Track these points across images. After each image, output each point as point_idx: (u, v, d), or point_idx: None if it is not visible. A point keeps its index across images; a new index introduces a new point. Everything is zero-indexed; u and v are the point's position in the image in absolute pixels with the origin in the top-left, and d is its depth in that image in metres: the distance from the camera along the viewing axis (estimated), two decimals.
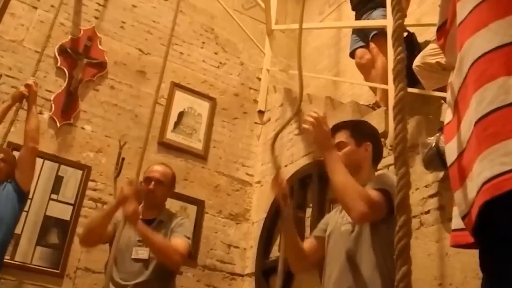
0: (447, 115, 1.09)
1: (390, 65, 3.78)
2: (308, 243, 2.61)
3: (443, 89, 3.37)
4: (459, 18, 1.02)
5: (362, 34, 4.68)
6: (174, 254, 3.04)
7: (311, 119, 2.36)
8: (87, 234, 3.17)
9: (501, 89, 0.86)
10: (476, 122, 0.89)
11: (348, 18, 5.20)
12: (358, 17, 4.83)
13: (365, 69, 4.62)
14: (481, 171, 0.86)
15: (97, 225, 3.13)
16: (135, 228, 3.01)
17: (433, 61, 3.42)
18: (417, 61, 3.59)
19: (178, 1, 3.83)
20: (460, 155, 0.97)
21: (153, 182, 3.24)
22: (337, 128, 2.57)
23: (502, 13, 0.91)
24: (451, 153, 1.02)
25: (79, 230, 4.43)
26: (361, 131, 2.55)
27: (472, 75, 0.93)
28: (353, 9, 5.02)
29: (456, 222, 1.03)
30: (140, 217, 3.20)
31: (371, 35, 4.56)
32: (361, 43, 4.67)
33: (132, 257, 3.11)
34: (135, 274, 3.07)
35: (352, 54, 4.81)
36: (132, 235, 3.14)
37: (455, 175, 0.99)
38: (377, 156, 2.56)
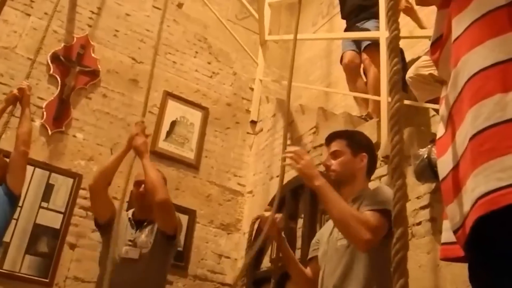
0: (439, 130, 1.10)
1: (383, 76, 3.81)
2: (310, 268, 2.61)
3: (435, 100, 3.38)
4: (454, 34, 1.03)
5: (355, 43, 4.72)
6: (164, 191, 3.07)
7: (291, 155, 2.35)
8: (98, 176, 3.21)
9: (497, 105, 0.87)
10: (472, 137, 0.89)
11: (341, 30, 5.22)
12: (349, 26, 4.86)
13: (351, 73, 4.65)
14: (475, 186, 0.86)
15: (108, 168, 3.21)
16: (141, 160, 3.11)
17: (426, 73, 3.44)
18: (410, 73, 3.61)
19: (165, 8, 3.82)
20: (454, 169, 0.97)
21: (143, 185, 3.23)
22: (333, 137, 2.57)
23: (497, 31, 0.92)
24: (443, 167, 1.02)
25: (69, 238, 4.42)
26: (357, 141, 2.55)
27: (468, 90, 0.94)
28: (344, 17, 5.06)
29: (446, 235, 1.03)
30: (131, 217, 3.25)
31: (363, 46, 4.60)
32: (353, 48, 4.71)
33: (122, 256, 3.09)
34: (125, 274, 3.06)
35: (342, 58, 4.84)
36: (123, 235, 3.14)
37: (448, 189, 0.99)
38: (371, 167, 2.57)
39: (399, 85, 0.90)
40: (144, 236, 3.15)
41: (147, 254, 3.09)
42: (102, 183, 3.20)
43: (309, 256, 2.64)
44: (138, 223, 3.21)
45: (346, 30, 4.97)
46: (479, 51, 0.94)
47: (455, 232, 0.95)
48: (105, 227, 3.20)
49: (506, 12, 0.93)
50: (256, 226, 2.92)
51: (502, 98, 0.87)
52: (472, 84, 0.93)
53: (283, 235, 2.59)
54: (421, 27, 4.23)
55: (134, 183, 3.30)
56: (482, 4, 0.98)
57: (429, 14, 4.11)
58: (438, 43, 1.13)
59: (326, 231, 2.52)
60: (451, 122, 1.01)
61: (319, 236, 2.62)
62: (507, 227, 0.82)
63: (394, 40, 0.90)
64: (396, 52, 0.94)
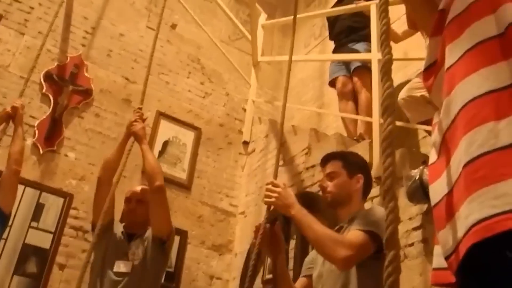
0: (431, 155, 1.11)
1: (375, 98, 3.83)
2: (301, 283, 2.58)
3: (427, 122, 3.40)
4: (447, 62, 1.05)
5: (344, 64, 4.76)
6: (161, 178, 3.16)
7: (268, 193, 2.38)
8: (104, 167, 3.34)
9: (491, 133, 0.88)
10: (465, 164, 0.90)
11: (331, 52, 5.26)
12: (338, 46, 4.90)
13: (345, 97, 4.68)
14: (469, 213, 0.87)
15: (113, 157, 3.33)
16: (140, 144, 3.29)
17: (418, 95, 3.47)
18: (402, 94, 3.64)
19: (158, 28, 3.86)
20: (447, 195, 0.98)
21: (133, 201, 3.25)
22: (328, 158, 2.57)
23: (490, 60, 0.94)
24: (436, 193, 1.03)
25: (59, 259, 4.37)
26: (353, 162, 2.55)
27: (462, 118, 0.95)
28: (332, 38, 5.10)
29: (438, 261, 1.03)
30: (123, 230, 3.25)
31: (353, 68, 4.63)
32: (344, 72, 4.74)
33: (114, 270, 3.07)
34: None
35: (333, 82, 4.87)
36: (114, 249, 3.12)
37: (440, 215, 0.99)
38: (367, 188, 2.56)
39: (392, 108, 0.91)
40: (135, 248, 3.15)
41: (138, 266, 3.08)
42: (109, 172, 3.30)
43: (303, 274, 2.62)
44: (129, 236, 3.22)
45: (334, 50, 5.01)
46: (473, 79, 0.95)
47: (447, 258, 0.95)
48: (101, 233, 3.19)
49: (498, 42, 0.95)
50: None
51: (495, 125, 0.88)
52: (466, 112, 0.94)
53: (284, 243, 2.54)
54: (397, 40, 4.28)
55: (125, 200, 3.31)
56: (474, 34, 1.00)
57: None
58: (432, 69, 1.15)
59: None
60: (445, 148, 1.02)
61: (314, 255, 2.60)
62: (500, 254, 0.82)
63: (386, 64, 0.91)
64: (388, 75, 0.95)
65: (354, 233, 2.19)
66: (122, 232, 3.26)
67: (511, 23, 0.96)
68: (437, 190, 1.02)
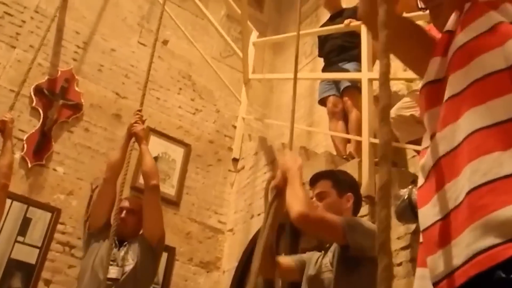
0: (419, 179, 1.11)
1: (365, 117, 3.84)
2: (286, 260, 2.55)
3: (416, 141, 3.42)
4: (451, 91, 1.06)
5: (334, 83, 4.79)
6: (158, 178, 3.32)
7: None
8: (108, 168, 3.43)
9: (495, 162, 0.90)
10: (469, 192, 0.92)
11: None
12: (328, 65, 4.93)
13: (336, 117, 4.70)
14: (472, 241, 0.88)
15: (116, 159, 3.42)
16: (140, 145, 3.47)
17: (408, 114, 3.49)
18: (391, 113, 3.66)
19: (154, 45, 3.88)
20: (442, 220, 0.98)
21: (124, 211, 3.28)
22: (318, 177, 2.56)
23: (499, 92, 0.96)
24: (426, 218, 1.03)
25: (45, 274, 4.32)
26: (343, 181, 2.54)
27: (466, 146, 0.96)
28: (322, 56, 5.13)
29: (421, 284, 1.03)
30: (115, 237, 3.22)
31: (343, 87, 4.66)
32: (334, 92, 4.76)
33: (105, 276, 3.06)
34: None
35: (323, 101, 4.89)
36: (104, 255, 3.10)
37: (431, 240, 0.99)
38: (357, 207, 2.56)
39: (388, 122, 0.91)
40: (125, 254, 3.15)
41: (130, 272, 3.09)
42: (114, 172, 3.38)
43: (292, 258, 2.59)
44: (119, 242, 3.23)
45: (324, 68, 5.04)
46: (480, 110, 0.97)
47: (436, 283, 0.95)
48: (95, 234, 3.24)
49: (508, 75, 0.97)
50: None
51: (500, 155, 0.90)
52: (472, 141, 0.96)
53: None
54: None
55: (116, 211, 3.28)
56: (482, 66, 1.01)
57: None
58: (436, 86, 1.14)
59: (314, 258, 2.49)
60: (437, 173, 1.02)
61: (310, 255, 2.56)
62: (494, 275, 0.83)
63: (384, 75, 0.91)
64: (387, 85, 0.94)
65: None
66: (114, 238, 3.26)
67: None
68: (427, 215, 1.02)
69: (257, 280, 1.93)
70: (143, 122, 3.60)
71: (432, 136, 1.09)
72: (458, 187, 0.95)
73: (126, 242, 3.24)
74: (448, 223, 0.95)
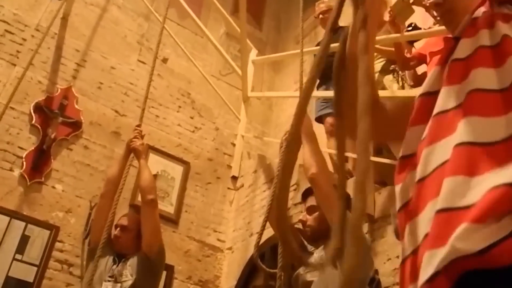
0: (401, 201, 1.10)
1: None
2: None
3: None
4: (443, 105, 1.04)
5: (330, 102, 4.79)
6: (155, 192, 3.32)
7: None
8: (106, 184, 3.43)
9: (459, 188, 0.88)
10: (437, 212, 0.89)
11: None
12: (323, 83, 4.93)
13: (333, 135, 4.71)
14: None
15: (115, 174, 3.40)
16: (139, 160, 3.45)
17: None
18: None
19: (154, 62, 3.89)
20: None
21: (118, 229, 3.25)
22: (308, 192, 2.59)
23: (484, 111, 0.94)
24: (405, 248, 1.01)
25: None
26: None
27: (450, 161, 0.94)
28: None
29: None
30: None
31: None
32: (330, 109, 4.77)
33: None
34: None
35: (319, 118, 4.89)
36: (103, 271, 3.09)
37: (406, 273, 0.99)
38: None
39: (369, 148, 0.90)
40: (123, 269, 3.12)
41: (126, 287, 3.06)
42: (112, 188, 3.35)
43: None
44: (119, 257, 3.20)
45: (319, 86, 5.04)
46: (471, 121, 0.95)
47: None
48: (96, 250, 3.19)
49: (500, 97, 0.96)
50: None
51: (467, 181, 0.88)
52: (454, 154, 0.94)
53: None
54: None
55: (114, 225, 3.27)
56: (476, 82, 0.99)
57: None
58: (428, 100, 1.12)
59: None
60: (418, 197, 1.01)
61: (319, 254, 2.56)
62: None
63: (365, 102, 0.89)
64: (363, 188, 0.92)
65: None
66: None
67: None
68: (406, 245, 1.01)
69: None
70: (142, 137, 3.58)
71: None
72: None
73: (125, 258, 3.21)
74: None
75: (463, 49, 1.08)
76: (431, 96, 1.10)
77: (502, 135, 0.91)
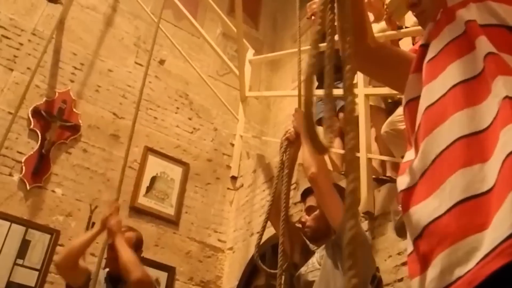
0: (402, 184, 1.11)
1: (362, 134, 3.85)
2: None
3: None
4: (426, 101, 1.06)
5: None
6: (139, 269, 2.99)
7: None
8: (66, 256, 3.10)
9: (477, 176, 0.89)
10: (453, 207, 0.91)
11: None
12: (323, 85, 4.93)
13: (333, 134, 4.71)
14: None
15: (78, 248, 3.11)
16: (114, 240, 3.08)
17: (402, 127, 3.46)
18: (385, 127, 3.64)
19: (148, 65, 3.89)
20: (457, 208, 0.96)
21: (115, 249, 3.10)
22: (307, 192, 2.58)
23: (476, 99, 0.96)
24: (424, 214, 1.01)
25: None
26: None
27: (448, 156, 0.96)
28: (316, 76, 5.13)
29: None
30: (107, 276, 3.16)
31: (339, 106, 4.67)
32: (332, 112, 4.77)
33: None
34: None
35: (319, 121, 4.89)
36: None
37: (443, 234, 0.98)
38: None
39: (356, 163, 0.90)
40: None
41: None
42: (71, 262, 3.08)
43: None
44: (114, 282, 3.12)
45: (318, 87, 5.04)
46: (457, 118, 0.97)
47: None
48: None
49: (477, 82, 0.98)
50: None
51: (479, 168, 0.90)
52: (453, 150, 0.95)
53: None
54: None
55: (108, 246, 3.18)
56: (457, 73, 1.02)
57: None
58: (414, 105, 1.15)
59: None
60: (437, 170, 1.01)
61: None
62: None
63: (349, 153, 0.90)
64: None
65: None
66: (105, 278, 3.16)
67: (487, 55, 0.98)
68: (425, 211, 1.01)
69: None
70: (118, 211, 3.26)
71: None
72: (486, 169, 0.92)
73: (121, 281, 3.10)
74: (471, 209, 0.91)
75: (434, 50, 1.11)
76: (415, 100, 1.13)
77: (489, 119, 0.93)
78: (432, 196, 0.96)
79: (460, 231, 0.88)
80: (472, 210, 0.88)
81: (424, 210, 0.98)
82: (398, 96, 3.89)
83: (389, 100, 4.19)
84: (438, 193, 0.95)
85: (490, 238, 0.83)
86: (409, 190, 1.05)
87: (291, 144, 2.66)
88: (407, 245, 1.03)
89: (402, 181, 1.08)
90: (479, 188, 0.89)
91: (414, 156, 1.08)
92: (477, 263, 0.83)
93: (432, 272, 0.92)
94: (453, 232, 0.89)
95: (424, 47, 1.17)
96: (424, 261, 0.96)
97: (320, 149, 0.91)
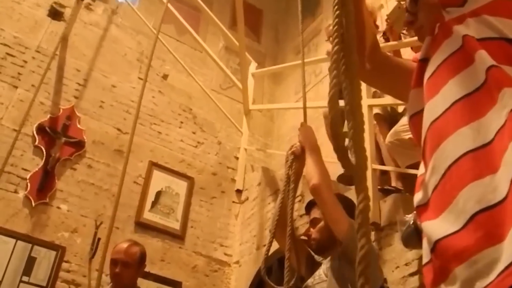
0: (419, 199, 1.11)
1: (368, 146, 3.84)
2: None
3: (416, 165, 3.41)
4: (430, 115, 1.06)
5: None
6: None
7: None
8: None
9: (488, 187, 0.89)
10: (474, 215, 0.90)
11: (323, 98, 5.31)
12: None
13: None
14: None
15: None
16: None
17: (406, 137, 3.45)
18: (389, 137, 3.64)
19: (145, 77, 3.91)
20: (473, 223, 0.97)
21: (119, 265, 3.05)
22: (312, 204, 2.58)
23: (479, 113, 0.96)
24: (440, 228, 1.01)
25: None
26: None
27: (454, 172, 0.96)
28: None
29: None
30: None
31: None
32: None
33: None
34: None
35: None
36: None
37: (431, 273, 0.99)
38: None
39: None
40: None
41: None
42: None
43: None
44: None
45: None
46: (463, 132, 0.97)
47: None
48: None
49: (481, 94, 0.98)
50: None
51: (491, 179, 0.89)
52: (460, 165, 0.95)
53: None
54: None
55: (111, 261, 3.11)
56: (460, 86, 1.02)
57: None
58: (418, 118, 1.16)
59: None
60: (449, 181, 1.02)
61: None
62: None
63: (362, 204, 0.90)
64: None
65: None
66: None
67: (489, 67, 0.98)
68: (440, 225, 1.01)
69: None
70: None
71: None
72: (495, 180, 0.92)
73: None
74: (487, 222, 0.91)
75: (434, 65, 1.11)
76: (419, 114, 1.14)
77: (493, 131, 0.93)
78: (446, 212, 0.97)
79: (477, 244, 0.88)
80: (487, 222, 0.88)
81: (438, 225, 0.98)
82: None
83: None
84: (451, 208, 0.95)
85: (509, 250, 0.83)
86: (424, 206, 1.06)
87: (297, 158, 2.66)
88: (423, 255, 1.03)
89: (417, 198, 1.09)
90: (492, 199, 0.89)
91: (424, 170, 1.08)
92: (498, 275, 0.84)
93: (451, 286, 0.93)
94: (470, 245, 0.89)
95: (423, 62, 1.18)
96: (440, 274, 0.97)
97: (349, 168, 0.91)
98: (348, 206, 2.57)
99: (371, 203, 2.87)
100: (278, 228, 2.58)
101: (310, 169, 2.45)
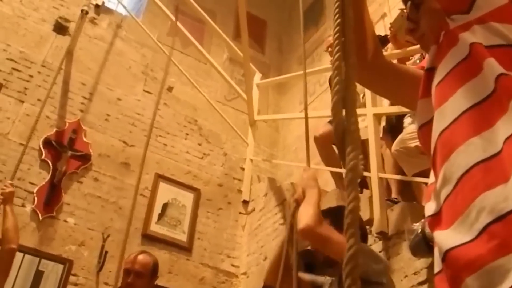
0: (429, 208, 1.11)
1: (372, 154, 3.84)
2: (305, 277, 2.53)
3: (423, 173, 3.40)
4: (440, 125, 1.06)
5: None
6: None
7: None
8: None
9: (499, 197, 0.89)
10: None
11: (327, 107, 5.31)
12: None
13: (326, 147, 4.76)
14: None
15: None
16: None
17: (413, 145, 3.45)
18: (396, 146, 3.64)
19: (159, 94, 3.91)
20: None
21: (132, 275, 3.02)
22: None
23: (489, 122, 0.96)
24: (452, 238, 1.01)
25: None
26: (341, 217, 2.51)
27: (466, 182, 0.96)
28: None
29: None
30: None
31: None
32: None
33: None
34: None
35: None
36: None
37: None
38: (362, 241, 2.53)
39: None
40: None
41: None
42: None
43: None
44: None
45: None
46: (474, 142, 0.96)
47: None
48: None
49: (491, 103, 0.97)
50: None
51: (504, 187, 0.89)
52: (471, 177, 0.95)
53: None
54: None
55: (123, 271, 3.11)
56: (468, 96, 1.01)
57: None
58: (429, 127, 1.15)
59: (326, 284, 2.46)
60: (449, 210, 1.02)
61: (323, 280, 2.52)
62: None
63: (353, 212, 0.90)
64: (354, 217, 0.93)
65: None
66: None
67: (499, 76, 0.98)
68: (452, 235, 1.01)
69: None
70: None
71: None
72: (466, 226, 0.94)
73: None
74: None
75: (441, 74, 1.10)
76: (428, 125, 1.13)
77: (502, 140, 0.93)
78: (458, 222, 0.96)
79: (489, 253, 0.88)
80: (501, 232, 0.88)
81: (449, 235, 0.98)
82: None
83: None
84: (463, 219, 0.95)
85: None
86: (436, 216, 1.05)
87: (299, 206, 2.46)
88: (435, 264, 1.03)
89: (429, 208, 1.08)
90: (504, 208, 0.88)
91: (434, 180, 1.08)
92: None
93: None
94: (482, 255, 0.89)
95: (430, 71, 1.17)
96: (452, 283, 0.96)
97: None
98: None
99: (378, 213, 2.88)
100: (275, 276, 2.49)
101: (302, 212, 2.31)
